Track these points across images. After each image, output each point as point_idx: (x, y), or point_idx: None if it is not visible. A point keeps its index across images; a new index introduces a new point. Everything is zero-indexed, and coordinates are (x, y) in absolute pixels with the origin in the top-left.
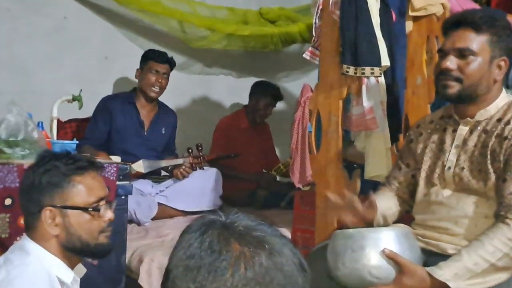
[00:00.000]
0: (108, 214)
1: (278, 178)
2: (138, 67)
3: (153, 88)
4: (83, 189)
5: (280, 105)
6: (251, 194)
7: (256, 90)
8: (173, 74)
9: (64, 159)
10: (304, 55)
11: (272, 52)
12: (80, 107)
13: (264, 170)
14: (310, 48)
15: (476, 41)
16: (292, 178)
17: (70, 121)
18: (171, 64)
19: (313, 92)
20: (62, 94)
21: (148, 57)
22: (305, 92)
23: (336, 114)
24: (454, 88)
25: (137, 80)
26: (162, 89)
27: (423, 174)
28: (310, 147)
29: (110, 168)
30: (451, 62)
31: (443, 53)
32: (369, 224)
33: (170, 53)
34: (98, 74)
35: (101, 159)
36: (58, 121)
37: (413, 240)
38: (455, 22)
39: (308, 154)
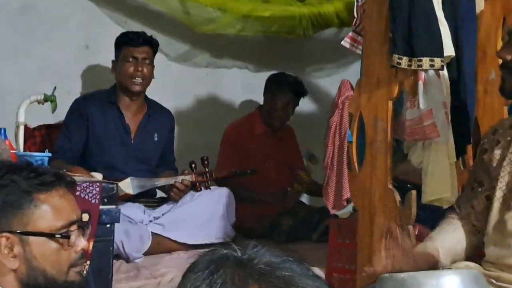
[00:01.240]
0: (80, 243)
1: (300, 192)
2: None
3: (134, 80)
4: (49, 210)
5: (310, 108)
6: (273, 222)
7: (271, 84)
8: (173, 67)
9: (24, 172)
10: (342, 42)
11: (300, 38)
12: (54, 110)
13: (289, 188)
14: (350, 34)
15: None
16: (325, 201)
17: (40, 127)
18: (153, 44)
19: (354, 91)
20: (30, 93)
21: (121, 42)
22: (344, 90)
23: (385, 119)
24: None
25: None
26: (146, 79)
27: (498, 194)
28: (350, 162)
29: (91, 188)
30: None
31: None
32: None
33: (169, 40)
34: (77, 67)
35: (79, 176)
36: (26, 127)
37: (485, 285)
38: None
39: (347, 171)
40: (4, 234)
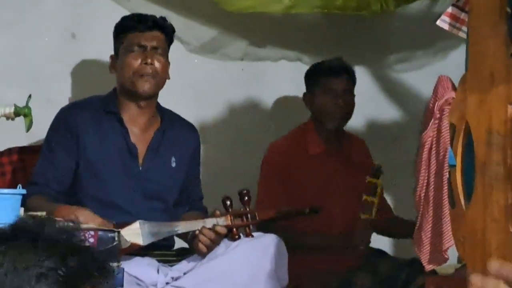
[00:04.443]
0: None
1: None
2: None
3: (141, 78)
4: None
5: (392, 116)
6: (343, 281)
7: (315, 76)
8: (196, 61)
9: (68, 257)
10: (438, 22)
11: (377, 16)
12: (29, 127)
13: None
14: (449, 9)
15: None
16: (418, 252)
17: (10, 151)
18: (166, 29)
19: (456, 92)
20: None
21: (122, 28)
22: (442, 91)
23: (503, 132)
24: None
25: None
26: (158, 76)
27: None
28: (452, 195)
29: (82, 238)
30: None
31: None
32: None
33: (189, 24)
34: (60, 66)
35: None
36: None
37: None
38: None
39: (449, 207)
40: None
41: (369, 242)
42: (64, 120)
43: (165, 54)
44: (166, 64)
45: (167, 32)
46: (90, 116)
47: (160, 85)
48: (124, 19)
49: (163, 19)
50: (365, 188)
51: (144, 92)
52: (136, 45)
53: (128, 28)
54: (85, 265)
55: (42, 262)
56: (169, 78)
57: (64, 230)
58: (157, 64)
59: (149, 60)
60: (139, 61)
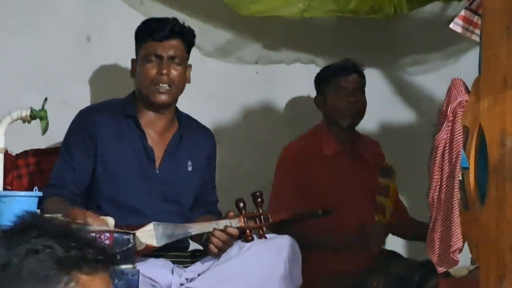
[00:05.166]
0: None
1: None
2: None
3: (158, 87)
4: None
5: (405, 118)
6: (357, 283)
7: (326, 77)
8: (210, 65)
9: (66, 240)
10: (451, 25)
11: (390, 20)
12: (45, 130)
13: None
14: (462, 12)
15: None
16: (430, 254)
17: (26, 154)
18: (185, 36)
19: (469, 94)
20: (12, 107)
21: (142, 34)
22: (455, 93)
23: None
24: None
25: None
26: (175, 85)
27: None
28: (465, 197)
29: (98, 240)
30: None
31: None
32: None
33: (204, 27)
34: (75, 69)
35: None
36: (6, 154)
37: None
38: None
39: (460, 209)
40: None
41: (384, 243)
42: (82, 123)
43: (183, 62)
44: (184, 72)
45: (187, 39)
46: (108, 119)
47: (177, 93)
48: (144, 24)
49: (182, 25)
50: (378, 189)
51: (159, 102)
52: (153, 55)
53: (146, 35)
54: (84, 250)
55: (35, 239)
56: (189, 82)
57: (66, 226)
58: (173, 74)
59: (164, 71)
60: (154, 71)
